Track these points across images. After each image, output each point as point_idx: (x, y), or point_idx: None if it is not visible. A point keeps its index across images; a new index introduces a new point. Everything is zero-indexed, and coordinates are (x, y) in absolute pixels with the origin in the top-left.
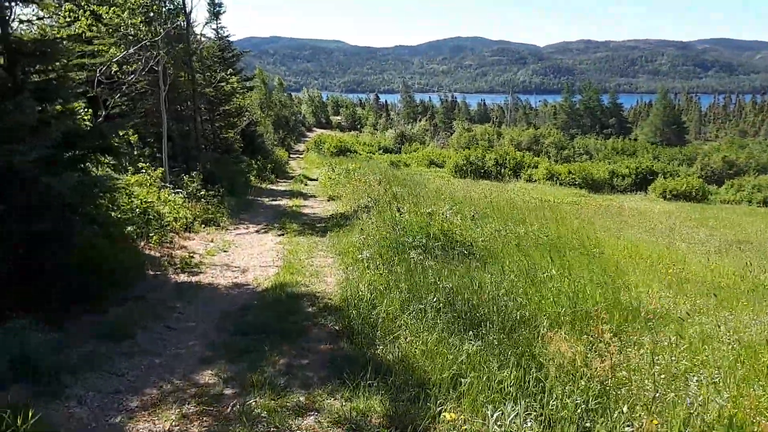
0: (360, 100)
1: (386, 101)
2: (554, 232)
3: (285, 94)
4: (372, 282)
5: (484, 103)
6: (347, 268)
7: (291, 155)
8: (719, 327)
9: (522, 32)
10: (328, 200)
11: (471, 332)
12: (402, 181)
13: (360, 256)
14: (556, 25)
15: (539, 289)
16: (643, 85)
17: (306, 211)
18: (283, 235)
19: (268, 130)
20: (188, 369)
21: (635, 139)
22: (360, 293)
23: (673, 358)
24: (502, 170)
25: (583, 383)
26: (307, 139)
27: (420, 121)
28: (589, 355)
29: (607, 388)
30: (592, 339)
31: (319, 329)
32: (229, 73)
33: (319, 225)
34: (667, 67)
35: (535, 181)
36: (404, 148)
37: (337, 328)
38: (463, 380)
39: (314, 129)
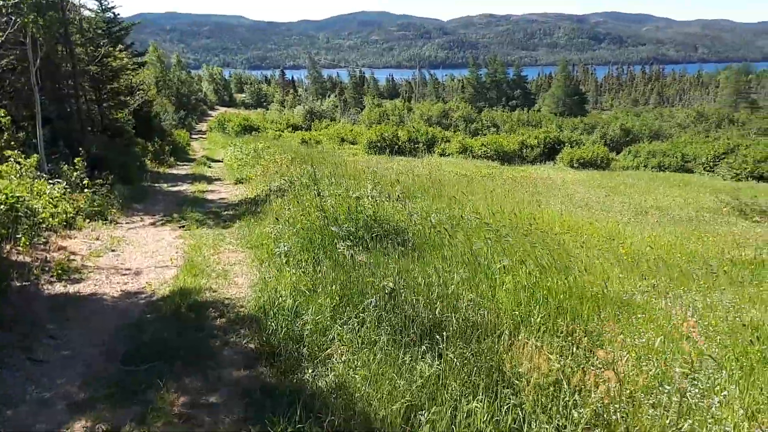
0: (265, 77)
1: (293, 77)
2: (487, 211)
3: (184, 72)
4: (294, 283)
5: (393, 78)
6: (262, 266)
7: (192, 136)
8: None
9: (425, 6)
10: (236, 184)
11: (423, 345)
12: (317, 160)
13: (277, 249)
14: None
15: (493, 284)
16: (543, 57)
17: (211, 197)
18: (183, 227)
19: (166, 109)
20: (53, 422)
21: (539, 110)
22: (279, 298)
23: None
24: (416, 146)
25: (575, 414)
26: (209, 118)
27: (329, 97)
28: (568, 369)
29: (601, 413)
30: (567, 344)
31: (231, 349)
32: (118, 49)
33: (225, 213)
34: (564, 40)
35: (449, 155)
36: (314, 125)
37: (252, 346)
38: (420, 415)
39: (217, 107)
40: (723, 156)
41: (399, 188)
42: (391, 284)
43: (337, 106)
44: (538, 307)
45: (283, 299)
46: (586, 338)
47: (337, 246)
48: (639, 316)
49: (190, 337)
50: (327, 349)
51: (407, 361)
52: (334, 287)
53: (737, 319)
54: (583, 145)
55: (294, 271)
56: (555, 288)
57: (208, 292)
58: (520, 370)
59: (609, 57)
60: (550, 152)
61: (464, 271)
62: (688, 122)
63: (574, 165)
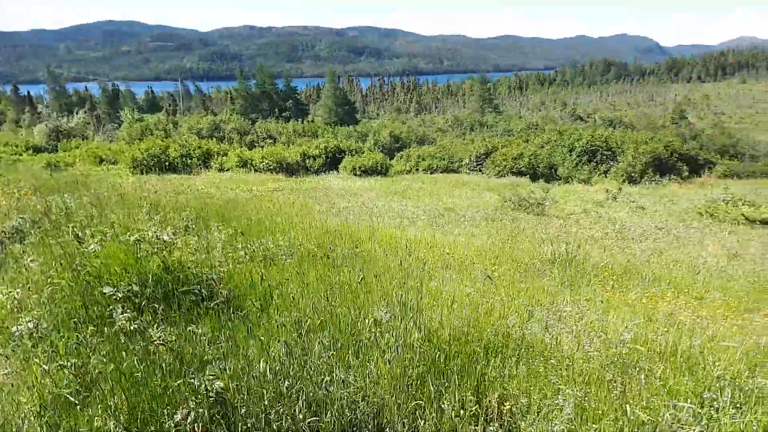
0: None
1: (29, 93)
2: (304, 238)
3: None
4: (49, 389)
5: (152, 91)
6: None
7: None
8: None
9: (181, 16)
10: None
11: None
12: (71, 186)
13: (16, 329)
14: (217, 9)
15: (364, 361)
16: (308, 69)
17: None
18: None
19: None
20: None
21: (313, 121)
22: (23, 418)
23: None
24: (189, 161)
25: None
26: None
27: (78, 113)
28: None
29: None
30: None
31: None
32: None
33: None
34: (326, 52)
35: (228, 169)
36: (62, 146)
37: None
38: None
39: None
40: (484, 156)
41: (186, 214)
42: (218, 383)
43: (89, 123)
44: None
45: (29, 425)
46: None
47: (116, 317)
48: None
49: None
50: None
51: None
52: (118, 397)
53: None
54: (363, 153)
55: (46, 365)
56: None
57: None
58: None
59: (369, 69)
60: (332, 161)
61: (327, 334)
62: (447, 127)
63: (357, 173)
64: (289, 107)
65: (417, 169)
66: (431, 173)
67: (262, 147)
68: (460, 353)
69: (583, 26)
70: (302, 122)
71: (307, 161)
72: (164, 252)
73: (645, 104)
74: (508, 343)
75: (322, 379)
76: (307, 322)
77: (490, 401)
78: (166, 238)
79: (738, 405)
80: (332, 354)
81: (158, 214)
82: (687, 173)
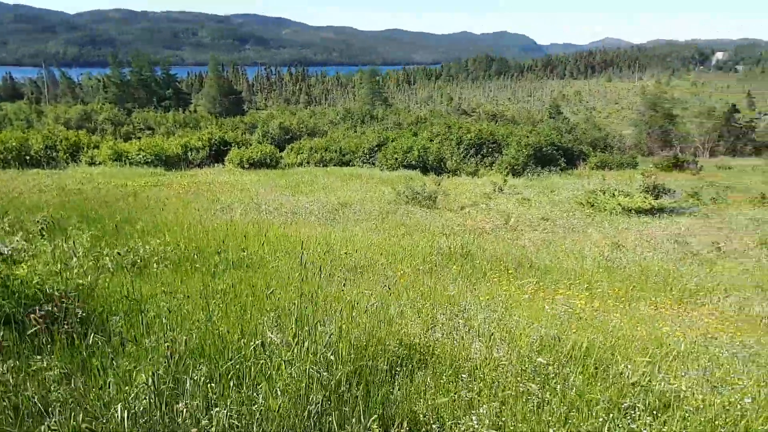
0: None
1: None
2: (182, 240)
3: None
4: None
5: (11, 76)
6: None
7: None
8: None
9: None
10: None
11: None
12: None
13: None
14: None
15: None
16: (190, 56)
17: None
18: None
19: None
20: None
21: (195, 111)
22: None
23: None
24: (56, 154)
25: None
26: None
27: None
28: None
29: None
30: None
31: None
32: None
33: None
34: (209, 39)
35: (100, 163)
36: None
37: None
38: None
39: None
40: (377, 148)
41: (41, 217)
42: None
43: None
44: None
45: None
46: None
47: None
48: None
49: None
50: None
51: None
52: None
53: None
54: (251, 145)
55: None
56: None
57: None
58: None
59: (256, 58)
60: (217, 154)
61: (206, 360)
62: (338, 119)
63: (245, 166)
64: (169, 96)
65: (309, 162)
66: (324, 166)
67: (140, 138)
68: (362, 372)
69: (466, 23)
70: (183, 112)
71: (190, 154)
72: (3, 266)
73: (524, 99)
74: (413, 355)
75: (198, 421)
76: (181, 346)
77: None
78: (5, 250)
79: (654, 411)
80: (211, 387)
81: (7, 217)
82: (565, 164)
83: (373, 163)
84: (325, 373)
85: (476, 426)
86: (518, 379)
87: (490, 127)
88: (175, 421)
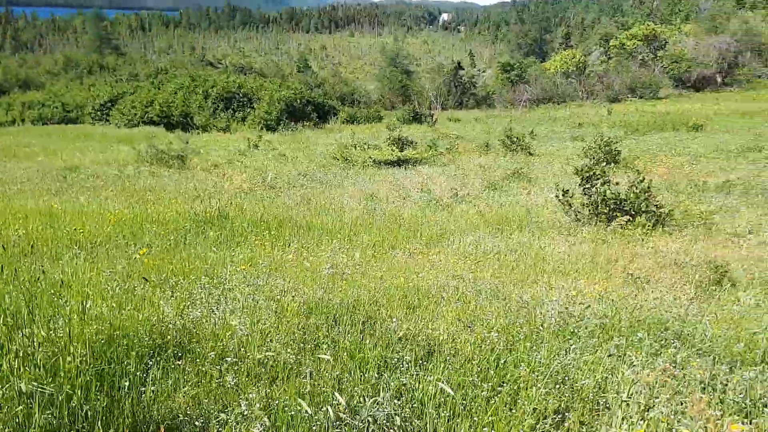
0: None
1: None
2: None
3: None
4: None
5: None
6: None
7: None
8: None
9: None
10: None
11: None
12: None
13: None
14: None
15: None
16: None
17: None
18: None
19: None
20: None
21: None
22: None
23: None
24: None
25: None
26: None
27: None
28: None
29: None
30: None
31: None
32: None
33: None
34: None
35: None
36: None
37: None
38: None
39: None
40: (111, 103)
41: None
42: None
43: None
44: None
45: None
46: None
47: None
48: None
49: None
50: None
51: None
52: None
53: None
54: None
55: None
56: None
57: None
58: None
59: None
60: None
61: None
62: (58, 69)
63: None
64: None
65: (23, 121)
66: (43, 124)
67: None
68: (104, 377)
69: None
70: None
71: None
72: None
73: (271, 52)
74: (167, 345)
75: None
76: None
77: None
78: None
79: (420, 361)
80: None
81: None
82: (317, 119)
83: (108, 120)
84: (49, 388)
85: (246, 412)
86: (287, 350)
87: (239, 80)
88: None
